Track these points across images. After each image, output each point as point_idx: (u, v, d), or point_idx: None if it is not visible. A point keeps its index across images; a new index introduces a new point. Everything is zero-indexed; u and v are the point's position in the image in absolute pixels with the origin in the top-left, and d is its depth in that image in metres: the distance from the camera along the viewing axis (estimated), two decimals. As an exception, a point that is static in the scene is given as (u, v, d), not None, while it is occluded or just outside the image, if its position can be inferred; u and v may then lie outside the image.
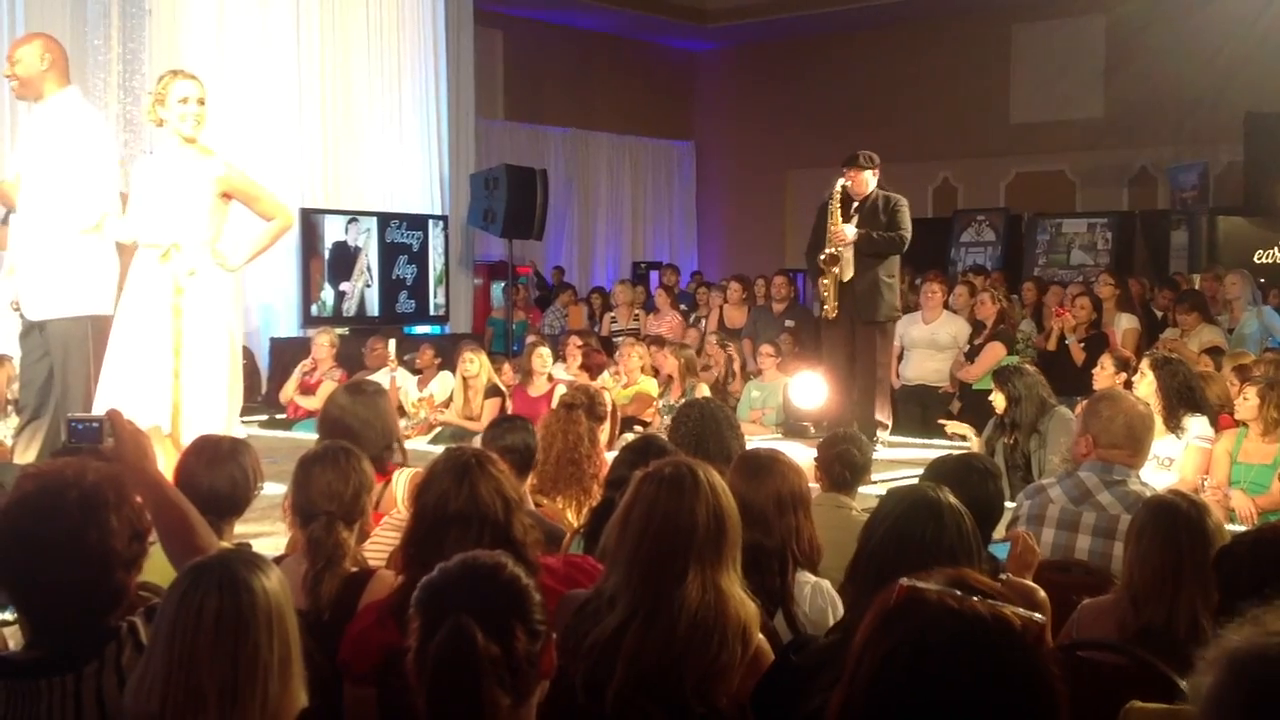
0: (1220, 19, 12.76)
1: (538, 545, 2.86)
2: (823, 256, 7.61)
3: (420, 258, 12.60)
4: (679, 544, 2.54)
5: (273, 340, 11.43)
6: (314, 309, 11.85)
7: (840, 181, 7.74)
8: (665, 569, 2.53)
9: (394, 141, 12.68)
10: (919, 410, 9.05)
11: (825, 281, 7.62)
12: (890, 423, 8.04)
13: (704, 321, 11.96)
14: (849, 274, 7.60)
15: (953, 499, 2.63)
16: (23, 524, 2.30)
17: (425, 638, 1.98)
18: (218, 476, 3.43)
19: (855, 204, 7.68)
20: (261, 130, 11.54)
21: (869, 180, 7.70)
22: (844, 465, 4.25)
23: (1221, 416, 6.30)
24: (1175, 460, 5.98)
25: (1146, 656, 2.71)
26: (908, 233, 7.73)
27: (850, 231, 7.57)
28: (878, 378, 7.89)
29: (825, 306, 7.69)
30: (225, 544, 3.17)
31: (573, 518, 4.45)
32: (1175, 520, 2.97)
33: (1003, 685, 1.44)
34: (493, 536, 2.65)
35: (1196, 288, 11.22)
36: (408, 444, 5.00)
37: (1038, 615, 1.52)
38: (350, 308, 12.14)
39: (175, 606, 2.06)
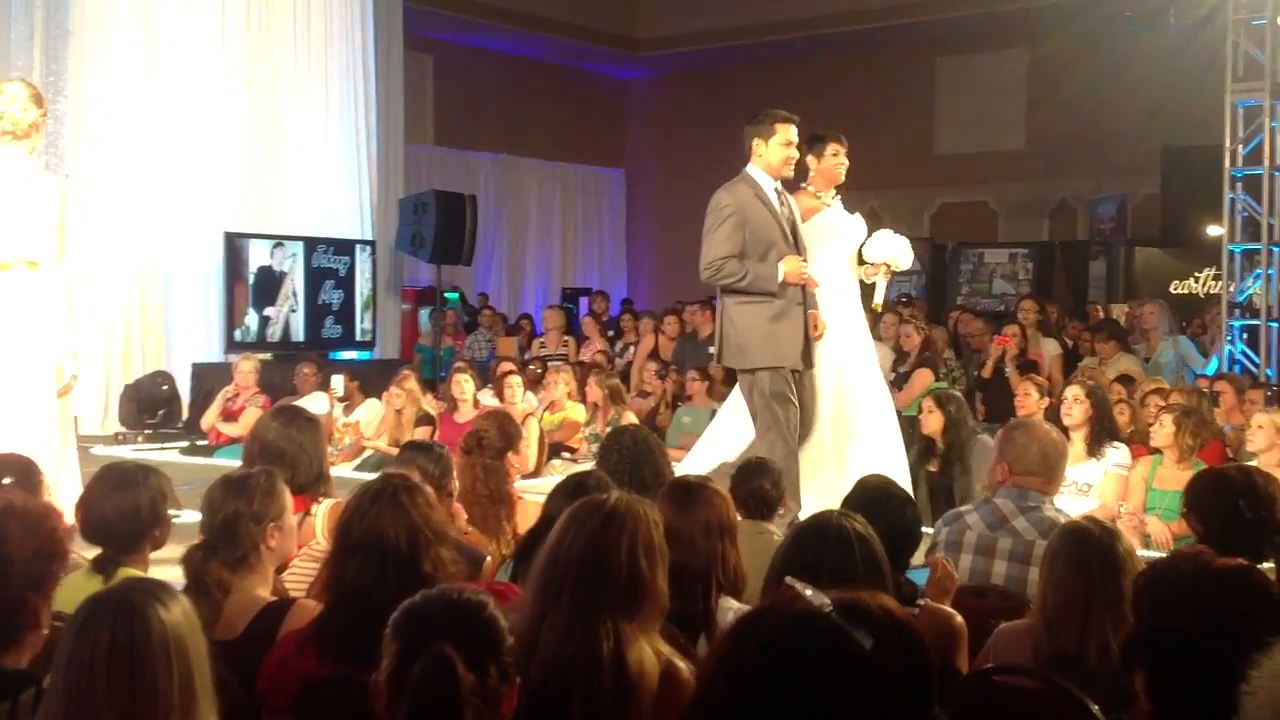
0: (1139, 55, 13.05)
1: (457, 579, 2.83)
2: None
3: (347, 283, 12.51)
4: (597, 585, 2.53)
5: (194, 366, 11.27)
6: (237, 334, 11.71)
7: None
8: (585, 611, 2.51)
9: (321, 165, 12.59)
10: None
11: None
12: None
13: (631, 349, 11.99)
14: None
15: (861, 526, 2.66)
16: None
17: (402, 663, 1.97)
18: (121, 503, 3.34)
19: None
20: (186, 153, 11.42)
21: None
22: (757, 500, 4.29)
23: (1133, 446, 6.43)
24: (1094, 486, 6.10)
25: (1060, 681, 2.75)
26: None
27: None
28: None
29: None
30: (136, 572, 3.13)
31: (495, 548, 4.43)
32: (1087, 546, 3.02)
33: (840, 682, 1.44)
34: (397, 569, 2.63)
35: (1116, 318, 11.45)
36: (333, 471, 4.95)
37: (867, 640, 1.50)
38: (275, 333, 12.01)
39: (72, 639, 2.04)
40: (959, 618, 3.34)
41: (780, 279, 5.86)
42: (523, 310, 16.27)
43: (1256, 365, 10.16)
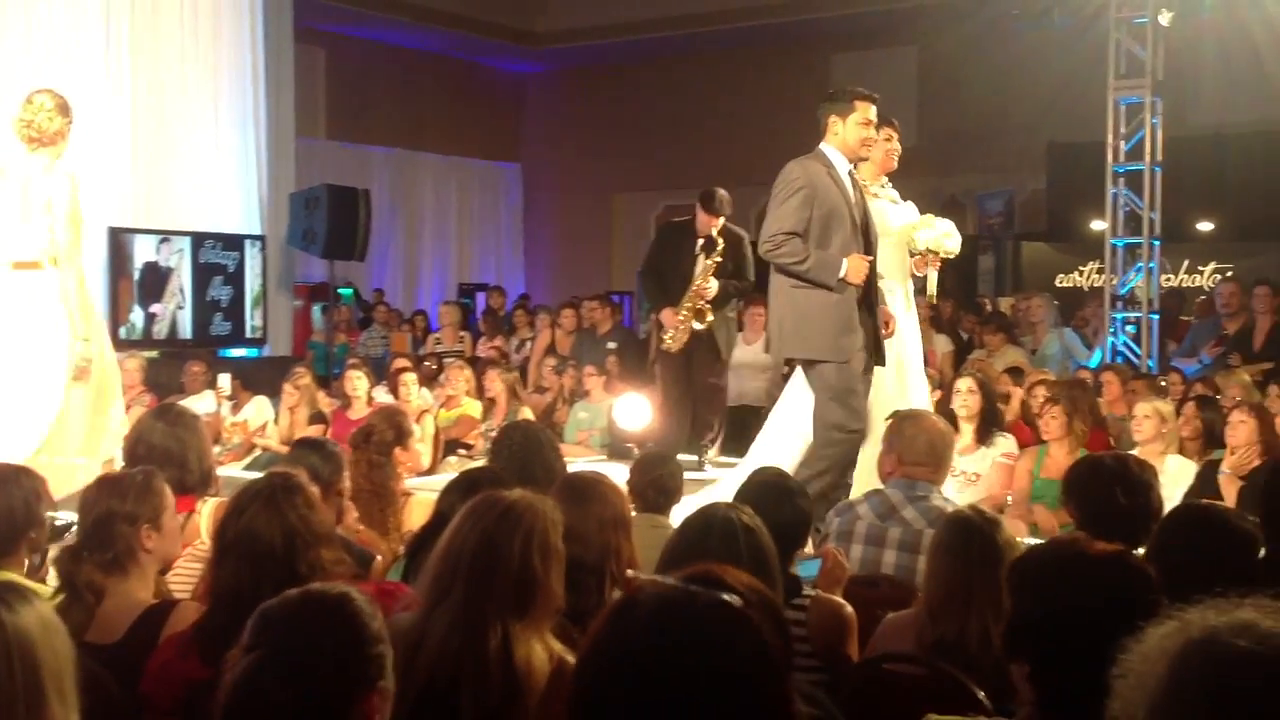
0: (1026, 54, 13.30)
1: (341, 580, 2.79)
2: (689, 309, 7.55)
3: (236, 279, 12.26)
4: (487, 582, 2.51)
5: (79, 364, 10.96)
6: (122, 332, 11.40)
7: (712, 230, 7.57)
8: (475, 607, 2.49)
9: (209, 159, 12.32)
10: (742, 430, 9.19)
11: (681, 328, 7.59)
12: (719, 440, 8.13)
13: (528, 345, 11.95)
14: (708, 320, 7.61)
15: (748, 518, 2.67)
16: None
17: (230, 670, 1.92)
18: None
19: (701, 241, 7.68)
20: (69, 147, 11.09)
21: (720, 223, 7.68)
22: (657, 491, 4.30)
23: (1019, 427, 6.59)
24: (982, 476, 6.21)
25: (946, 668, 2.79)
26: (753, 278, 7.79)
27: (713, 286, 7.56)
28: (719, 398, 7.99)
29: (669, 341, 7.67)
30: (11, 575, 3.04)
31: (386, 546, 4.38)
32: (967, 535, 3.08)
33: (709, 655, 1.50)
34: (272, 570, 2.59)
35: (1003, 310, 11.68)
36: (221, 470, 4.87)
37: (737, 599, 1.58)
38: (161, 330, 11.73)
39: None
40: (849, 607, 3.38)
41: (841, 275, 5.44)
42: (419, 306, 16.12)
43: (1138, 356, 10.44)
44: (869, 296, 5.58)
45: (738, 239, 7.71)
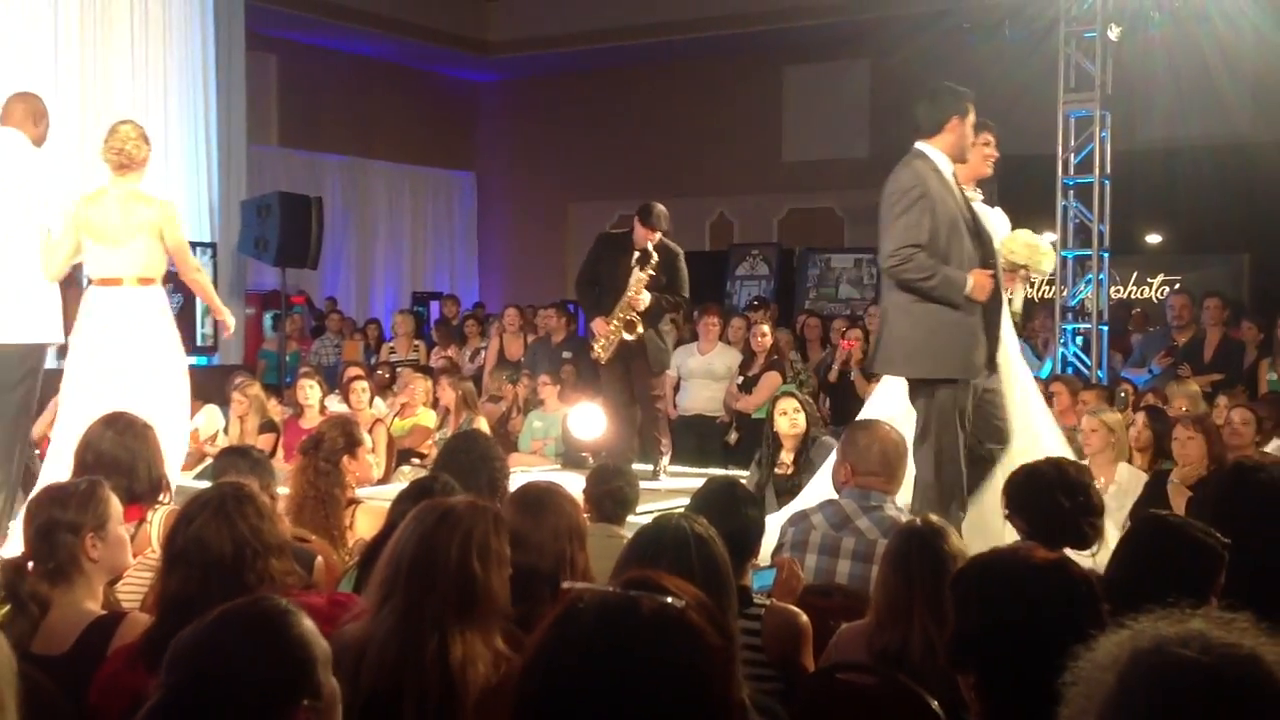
0: (979, 68, 13.38)
1: (292, 590, 2.76)
2: (620, 319, 7.57)
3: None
4: (426, 585, 2.49)
5: (25, 372, 10.81)
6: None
7: (648, 244, 7.56)
8: (414, 612, 2.47)
9: (160, 166, 12.20)
10: (696, 440, 9.22)
11: (611, 337, 7.59)
12: (669, 450, 8.13)
13: (482, 353, 11.91)
14: (638, 331, 7.60)
15: (701, 528, 2.68)
16: None
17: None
18: None
19: (637, 254, 7.70)
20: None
21: (657, 237, 7.71)
22: (614, 501, 4.30)
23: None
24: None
25: (899, 677, 2.80)
26: (687, 293, 7.86)
27: (645, 299, 7.57)
28: (656, 408, 8.00)
29: (599, 350, 7.69)
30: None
31: (337, 557, 4.35)
32: (910, 545, 3.10)
33: (651, 660, 1.52)
34: (221, 580, 2.56)
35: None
36: (173, 478, 4.82)
37: (679, 600, 1.59)
38: (112, 338, 11.59)
39: None
40: (804, 617, 3.39)
41: (966, 292, 5.06)
42: (372, 315, 16.02)
43: (1088, 367, 10.55)
44: (991, 307, 5.23)
45: (673, 255, 7.74)
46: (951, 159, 5.26)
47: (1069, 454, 5.33)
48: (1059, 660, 1.56)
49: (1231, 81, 12.85)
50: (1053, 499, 3.65)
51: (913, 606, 3.00)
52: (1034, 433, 5.50)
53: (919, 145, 5.27)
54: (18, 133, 6.41)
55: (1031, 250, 5.75)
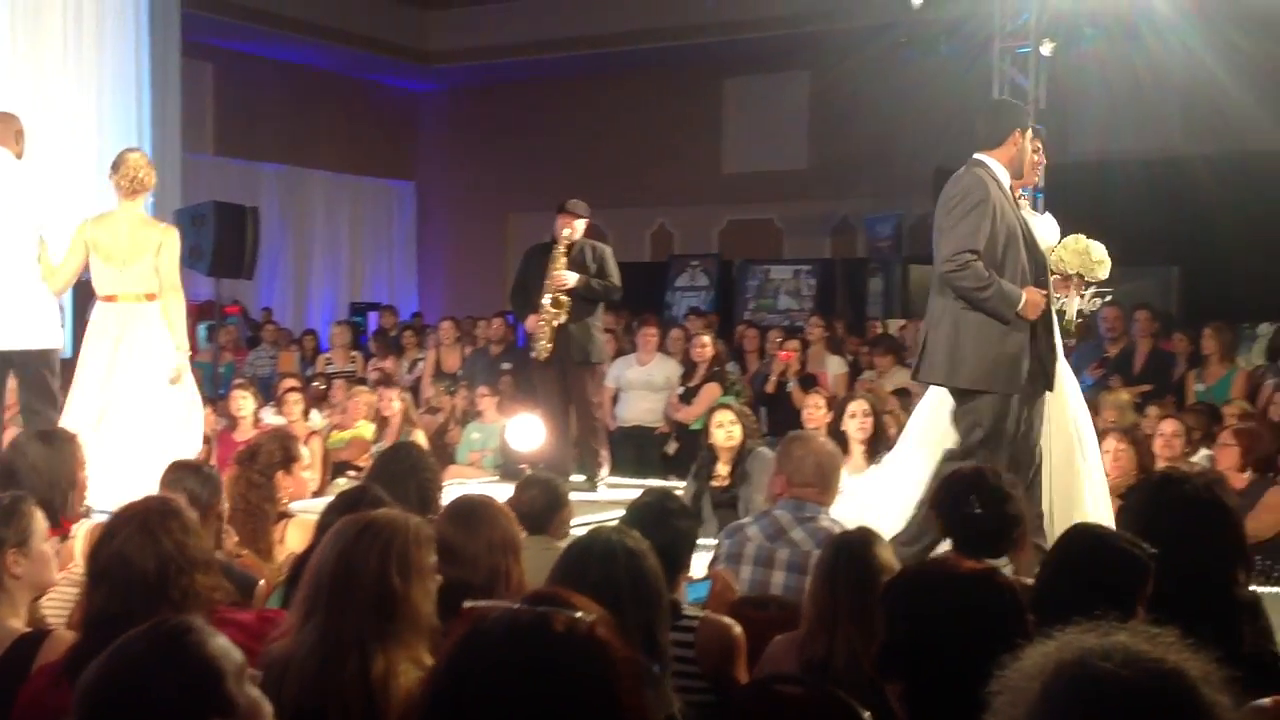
0: (916, 81, 13.54)
1: (219, 607, 2.72)
2: (548, 300, 7.62)
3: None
4: (346, 600, 2.46)
5: (-48, 384, 10.60)
6: None
7: (565, 230, 7.74)
8: (333, 628, 2.44)
9: (92, 174, 12.04)
10: (635, 451, 9.22)
11: (543, 322, 7.65)
12: (607, 463, 8.13)
13: (420, 364, 11.84)
14: (564, 306, 7.66)
15: (632, 542, 2.67)
16: None
17: None
18: None
19: (563, 251, 7.74)
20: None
21: (580, 228, 7.82)
22: (530, 513, 4.28)
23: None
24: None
25: (829, 688, 2.81)
26: (619, 283, 7.90)
27: (571, 277, 7.62)
28: (595, 418, 8.01)
29: (539, 346, 7.71)
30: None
31: (269, 571, 4.30)
32: (839, 555, 3.11)
33: (560, 675, 1.54)
34: (144, 597, 2.51)
35: (892, 333, 11.86)
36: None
37: (589, 615, 1.62)
38: (41, 349, 11.38)
39: None
40: (738, 628, 3.38)
41: (1019, 309, 4.94)
42: (309, 325, 15.87)
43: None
44: (1043, 324, 5.09)
45: (602, 250, 7.94)
46: (1010, 172, 5.18)
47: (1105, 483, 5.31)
48: (985, 669, 1.57)
49: (1162, 96, 13.08)
50: (966, 503, 3.65)
51: (838, 616, 3.01)
52: (1078, 464, 5.32)
53: (978, 155, 5.19)
54: (4, 150, 6.83)
55: (1083, 258, 5.59)
